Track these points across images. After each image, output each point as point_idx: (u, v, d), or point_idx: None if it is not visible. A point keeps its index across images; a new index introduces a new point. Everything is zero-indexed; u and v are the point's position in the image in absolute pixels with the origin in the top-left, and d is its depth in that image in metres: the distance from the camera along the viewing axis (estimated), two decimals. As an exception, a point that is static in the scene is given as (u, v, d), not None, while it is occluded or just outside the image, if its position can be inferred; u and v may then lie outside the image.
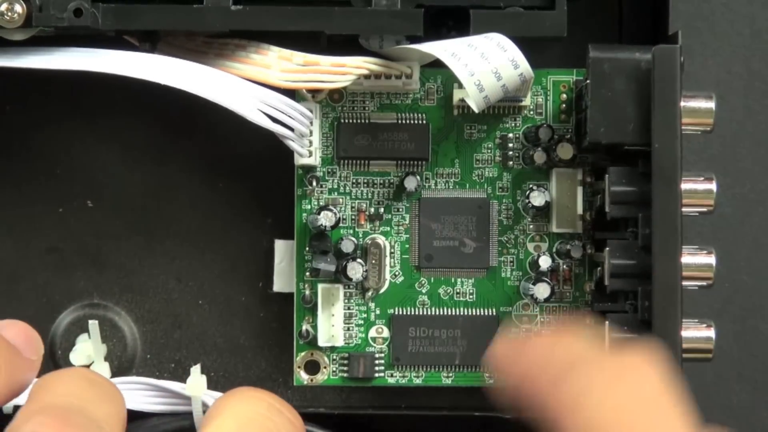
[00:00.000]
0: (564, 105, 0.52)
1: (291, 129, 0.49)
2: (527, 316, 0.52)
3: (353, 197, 0.52)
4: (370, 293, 0.52)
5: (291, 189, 0.52)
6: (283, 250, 0.52)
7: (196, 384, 0.48)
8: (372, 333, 0.52)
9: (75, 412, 0.39)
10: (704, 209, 0.49)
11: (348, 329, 0.52)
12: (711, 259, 0.49)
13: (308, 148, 0.51)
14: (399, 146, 0.51)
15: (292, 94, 0.50)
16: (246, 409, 0.41)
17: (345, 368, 0.52)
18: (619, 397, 0.38)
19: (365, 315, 0.52)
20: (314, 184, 0.51)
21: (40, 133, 0.53)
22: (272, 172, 0.52)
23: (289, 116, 0.49)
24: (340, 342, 0.51)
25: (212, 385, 0.50)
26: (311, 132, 0.51)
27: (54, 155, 0.53)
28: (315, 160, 0.51)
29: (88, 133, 0.53)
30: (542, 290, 0.50)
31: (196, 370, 0.49)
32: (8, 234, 0.53)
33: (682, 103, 0.47)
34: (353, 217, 0.52)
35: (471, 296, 0.52)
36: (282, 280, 0.52)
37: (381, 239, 0.52)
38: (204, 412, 0.48)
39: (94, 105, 0.53)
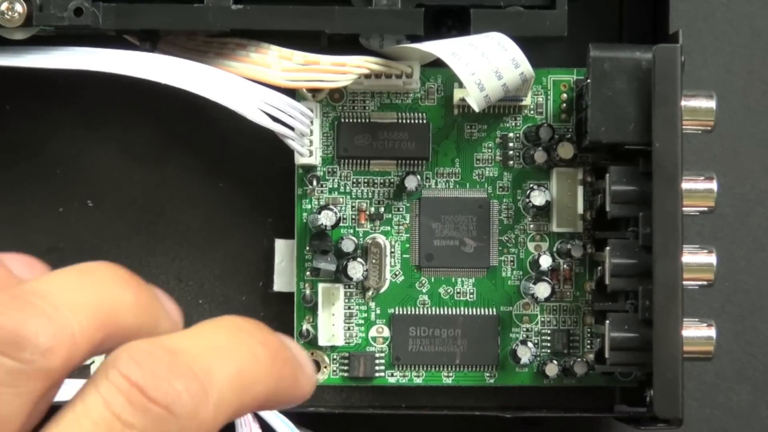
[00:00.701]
0: (564, 104, 0.52)
1: (291, 128, 0.49)
2: (527, 316, 0.52)
3: (354, 197, 0.52)
4: (370, 293, 0.52)
5: (291, 188, 0.52)
6: (283, 249, 0.52)
7: None
8: (372, 332, 0.52)
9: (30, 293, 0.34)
10: (704, 209, 0.49)
11: (348, 329, 0.52)
12: (711, 259, 0.49)
13: (308, 147, 0.51)
14: (399, 146, 0.51)
15: (292, 93, 0.50)
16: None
17: (345, 368, 0.52)
18: None
19: (366, 314, 0.52)
20: (314, 183, 0.51)
21: (40, 133, 0.53)
22: (272, 172, 0.52)
23: (290, 115, 0.49)
24: (340, 341, 0.51)
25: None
26: (311, 131, 0.51)
27: (54, 155, 0.53)
28: (315, 159, 0.51)
29: (88, 132, 0.53)
30: (543, 290, 0.50)
31: None
32: (8, 234, 0.53)
33: (683, 103, 0.47)
34: (354, 216, 0.52)
35: (471, 296, 0.52)
36: (282, 280, 0.52)
37: (381, 239, 0.52)
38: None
39: (94, 105, 0.53)
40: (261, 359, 0.37)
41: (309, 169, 0.51)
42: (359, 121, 0.51)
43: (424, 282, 0.52)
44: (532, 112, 0.52)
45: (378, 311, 0.52)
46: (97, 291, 0.36)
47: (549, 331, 0.52)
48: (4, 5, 0.47)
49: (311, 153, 0.51)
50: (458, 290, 0.52)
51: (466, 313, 0.52)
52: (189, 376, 0.34)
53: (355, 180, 0.52)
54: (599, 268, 0.50)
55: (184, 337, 0.36)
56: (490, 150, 0.52)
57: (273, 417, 0.47)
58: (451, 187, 0.52)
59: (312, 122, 0.51)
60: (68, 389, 0.35)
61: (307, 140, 0.50)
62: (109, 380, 0.33)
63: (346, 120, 0.51)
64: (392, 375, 0.52)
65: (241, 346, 0.37)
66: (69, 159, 0.53)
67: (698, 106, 0.48)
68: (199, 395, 0.34)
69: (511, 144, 0.52)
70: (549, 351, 0.52)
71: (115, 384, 0.33)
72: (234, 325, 0.37)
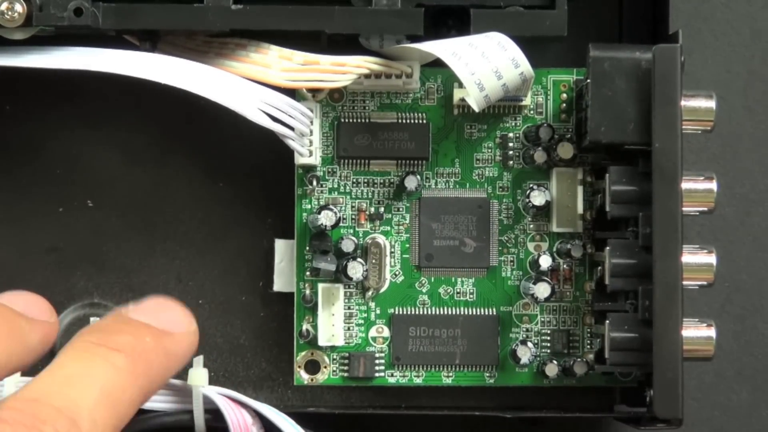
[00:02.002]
0: (564, 104, 0.52)
1: (291, 128, 0.49)
2: (527, 316, 0.52)
3: (353, 197, 0.52)
4: (370, 293, 0.52)
5: (291, 188, 0.52)
6: (283, 249, 0.52)
7: (197, 375, 0.48)
8: (372, 332, 0.52)
9: None
10: (704, 209, 0.49)
11: (348, 329, 0.52)
12: (711, 259, 0.49)
13: (308, 147, 0.51)
14: (399, 146, 0.51)
15: (292, 93, 0.50)
16: None
17: (345, 368, 0.52)
18: None
19: (365, 314, 0.52)
20: (314, 183, 0.51)
21: (40, 133, 0.53)
22: (272, 172, 0.52)
23: (290, 115, 0.49)
24: (340, 342, 0.51)
25: (212, 384, 0.50)
26: (311, 131, 0.51)
27: (54, 155, 0.53)
28: (315, 159, 0.51)
29: (88, 132, 0.53)
30: (543, 290, 0.50)
31: (198, 360, 0.48)
32: (8, 234, 0.53)
33: (683, 103, 0.47)
34: (353, 216, 0.52)
35: (471, 296, 0.52)
36: (282, 280, 0.52)
37: (381, 239, 0.52)
38: (205, 408, 0.48)
39: (94, 105, 0.53)
40: (121, 367, 0.39)
41: (309, 169, 0.51)
42: (359, 121, 0.51)
43: (424, 282, 0.52)
44: (532, 112, 0.52)
45: (378, 311, 0.52)
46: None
47: (549, 331, 0.52)
48: (4, 5, 0.47)
49: (311, 153, 0.51)
50: (458, 290, 0.52)
51: (466, 313, 0.52)
52: (54, 416, 0.37)
53: (355, 180, 0.52)
54: (599, 268, 0.50)
55: (44, 378, 0.39)
56: (490, 150, 0.52)
57: (276, 416, 0.47)
58: (451, 187, 0.52)
59: (312, 122, 0.51)
60: None
61: (307, 140, 0.51)
62: None
63: (346, 120, 0.51)
64: (392, 375, 0.52)
65: (97, 364, 0.39)
66: (69, 159, 0.53)
67: (698, 106, 0.48)
68: (70, 429, 0.37)
69: (511, 144, 0.52)
70: (549, 351, 0.52)
71: None
72: (85, 344, 0.40)
